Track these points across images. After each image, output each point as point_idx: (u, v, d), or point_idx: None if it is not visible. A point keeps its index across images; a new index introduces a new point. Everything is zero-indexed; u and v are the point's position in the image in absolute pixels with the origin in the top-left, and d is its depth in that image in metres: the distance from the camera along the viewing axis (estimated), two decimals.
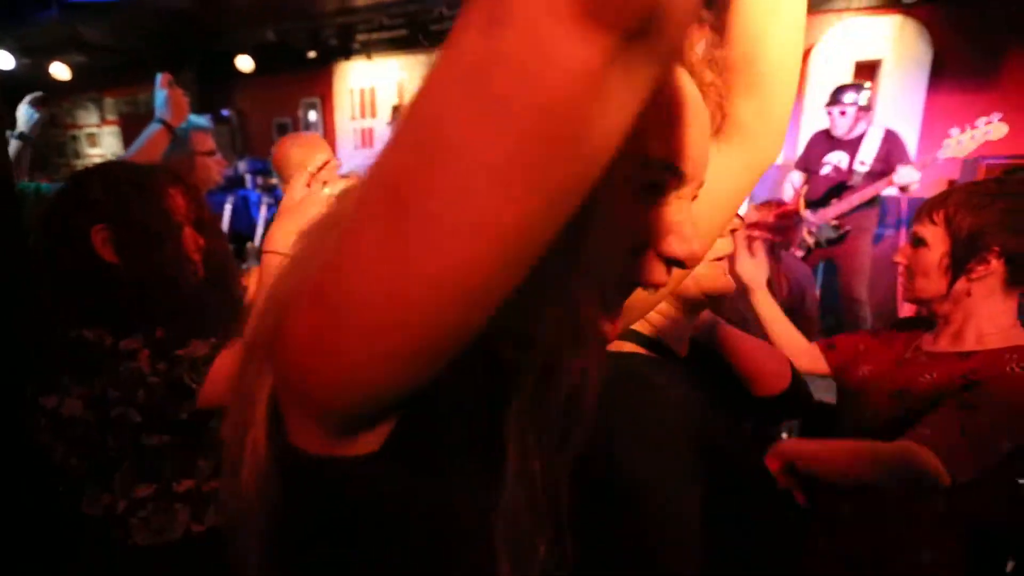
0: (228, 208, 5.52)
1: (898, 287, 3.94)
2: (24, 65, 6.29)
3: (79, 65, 6.96)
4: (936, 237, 1.09)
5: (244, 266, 5.87)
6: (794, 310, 1.63)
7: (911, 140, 4.23)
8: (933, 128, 4.22)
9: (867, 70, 4.31)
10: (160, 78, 1.61)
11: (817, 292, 1.66)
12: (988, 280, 1.06)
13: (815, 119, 4.40)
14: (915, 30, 4.10)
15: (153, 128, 1.56)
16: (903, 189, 2.58)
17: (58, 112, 8.53)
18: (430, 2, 5.10)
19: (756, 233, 1.72)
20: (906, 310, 4.12)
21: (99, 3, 3.14)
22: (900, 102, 4.22)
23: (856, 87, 2.83)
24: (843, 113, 2.79)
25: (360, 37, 5.77)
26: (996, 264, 1.04)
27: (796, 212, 1.75)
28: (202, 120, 1.99)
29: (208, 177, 1.93)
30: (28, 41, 5.85)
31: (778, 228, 1.79)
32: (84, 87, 7.68)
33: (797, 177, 3.11)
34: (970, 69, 4.09)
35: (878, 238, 3.97)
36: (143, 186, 0.97)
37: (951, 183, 4.31)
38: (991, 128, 2.32)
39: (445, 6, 5.14)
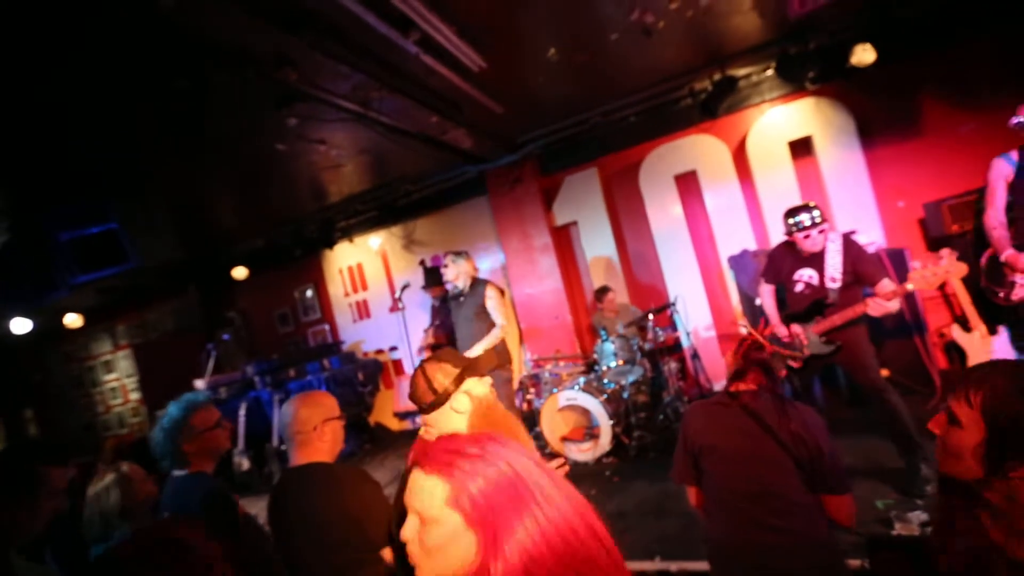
0: (242, 412, 5.61)
1: (919, 349, 3.77)
2: (39, 320, 6.74)
3: (90, 307, 7.46)
4: (972, 421, 0.97)
5: (265, 470, 5.75)
6: (815, 469, 1.56)
7: (866, 198, 4.45)
8: (882, 182, 4.46)
9: (802, 146, 4.64)
10: None
11: (831, 443, 1.60)
12: None
13: (769, 202, 4.67)
14: (830, 105, 4.49)
15: None
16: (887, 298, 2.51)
17: (73, 348, 8.96)
18: (395, 184, 5.62)
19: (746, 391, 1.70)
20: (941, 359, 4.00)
21: (104, 276, 3.42)
22: (843, 167, 4.49)
23: (806, 208, 2.78)
24: (807, 237, 2.77)
25: (340, 224, 6.26)
26: None
27: (754, 342, 1.72)
28: (200, 396, 2.03)
29: (214, 447, 1.95)
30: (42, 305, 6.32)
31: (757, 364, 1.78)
32: (97, 320, 8.13)
33: (767, 290, 3.11)
34: (894, 124, 4.41)
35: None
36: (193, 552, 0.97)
37: (921, 221, 4.44)
38: (950, 267, 2.20)
39: (410, 184, 5.67)
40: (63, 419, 9.07)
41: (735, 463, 1.62)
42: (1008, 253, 2.67)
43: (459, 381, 1.36)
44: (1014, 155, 2.72)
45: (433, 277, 5.29)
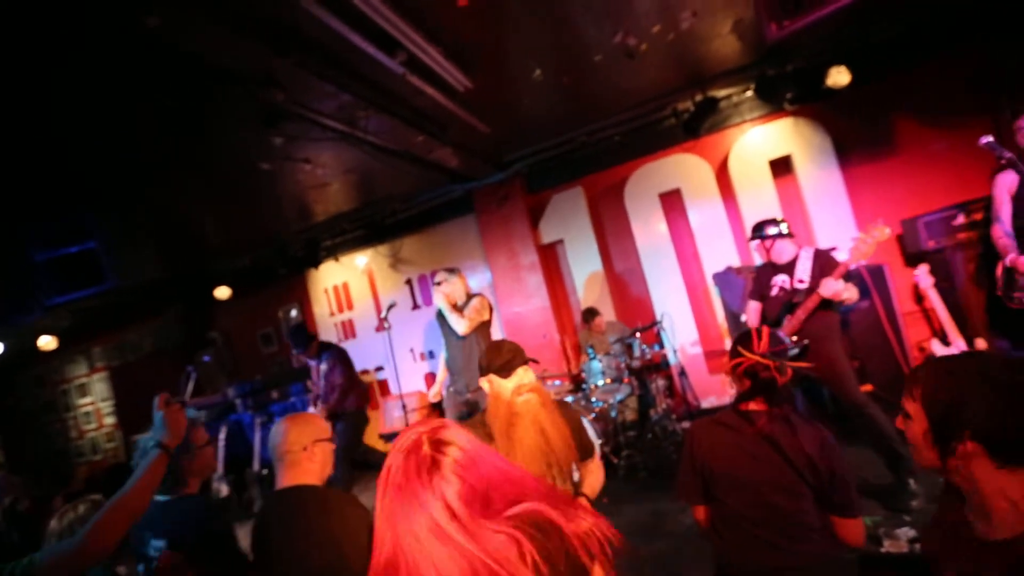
0: (223, 436, 5.45)
1: (893, 347, 3.92)
2: (11, 343, 6.52)
3: (65, 328, 7.24)
4: (917, 412, 1.05)
5: (245, 496, 5.57)
6: (826, 492, 1.54)
7: (845, 215, 4.54)
8: (860, 199, 4.56)
9: (782, 165, 4.74)
10: (157, 400, 1.55)
11: (844, 464, 1.57)
12: (974, 460, 1.00)
13: (752, 220, 4.73)
14: (808, 125, 4.61)
15: (152, 455, 1.46)
16: (840, 298, 2.75)
17: (46, 370, 8.66)
18: (382, 203, 5.61)
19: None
20: (915, 358, 4.07)
21: (81, 297, 3.32)
22: (822, 186, 4.59)
23: (773, 222, 3.08)
24: (772, 244, 3.06)
25: (326, 243, 6.21)
26: (973, 446, 0.99)
27: (759, 362, 1.65)
28: (191, 413, 2.03)
29: (207, 465, 1.95)
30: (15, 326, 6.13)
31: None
32: (72, 342, 7.88)
33: (753, 306, 3.22)
34: (870, 144, 4.54)
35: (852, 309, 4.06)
36: None
37: (898, 237, 4.54)
38: (878, 232, 2.66)
39: (397, 202, 5.65)
40: (34, 445, 8.72)
41: (750, 490, 1.58)
42: (1010, 257, 2.85)
43: (486, 371, 1.76)
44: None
45: (301, 337, 4.53)
